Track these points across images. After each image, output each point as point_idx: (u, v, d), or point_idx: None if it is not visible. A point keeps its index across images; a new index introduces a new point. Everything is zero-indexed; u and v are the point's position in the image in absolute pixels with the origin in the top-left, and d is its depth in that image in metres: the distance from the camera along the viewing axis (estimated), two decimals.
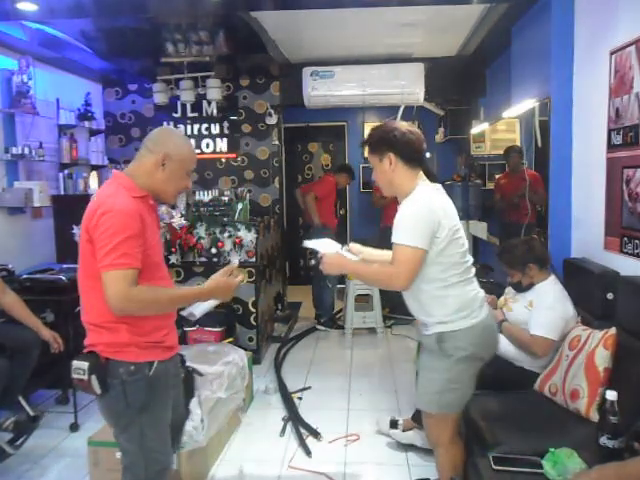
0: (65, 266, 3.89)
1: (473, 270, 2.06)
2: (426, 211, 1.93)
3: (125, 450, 1.87)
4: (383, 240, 5.75)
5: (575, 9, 3.16)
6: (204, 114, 5.49)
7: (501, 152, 5.06)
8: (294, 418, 3.19)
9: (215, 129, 5.53)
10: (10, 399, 2.78)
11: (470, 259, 2.05)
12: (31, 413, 2.82)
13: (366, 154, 2.17)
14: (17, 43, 4.11)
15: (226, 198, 4.66)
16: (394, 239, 1.94)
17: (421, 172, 2.09)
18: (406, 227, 1.93)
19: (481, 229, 5.49)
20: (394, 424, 2.88)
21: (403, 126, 2.08)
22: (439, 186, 2.10)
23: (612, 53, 2.69)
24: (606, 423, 1.75)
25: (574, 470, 1.70)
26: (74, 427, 3.13)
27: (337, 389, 3.70)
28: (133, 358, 1.77)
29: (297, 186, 5.94)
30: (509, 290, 2.81)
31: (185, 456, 2.42)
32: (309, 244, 2.26)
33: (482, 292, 2.08)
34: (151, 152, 1.83)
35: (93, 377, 1.72)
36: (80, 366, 1.73)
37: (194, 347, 3.35)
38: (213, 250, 4.03)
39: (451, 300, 1.97)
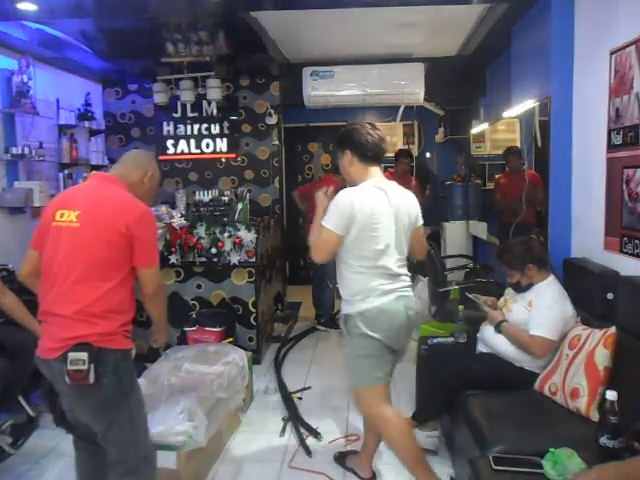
0: None
1: (391, 270, 2.26)
2: (346, 204, 2.20)
3: (115, 442, 1.93)
4: None
5: (575, 9, 3.16)
6: (204, 114, 5.49)
7: (501, 152, 5.06)
8: (294, 418, 3.19)
9: (215, 129, 5.53)
10: (10, 399, 2.78)
11: (389, 261, 2.24)
12: (31, 413, 2.82)
13: None
14: (17, 43, 4.11)
15: (226, 198, 4.67)
16: (323, 220, 2.24)
17: (376, 169, 2.35)
18: (330, 213, 2.22)
19: (481, 229, 5.49)
20: None
21: (364, 127, 2.33)
22: (387, 186, 2.31)
23: (612, 53, 2.69)
24: (606, 423, 1.75)
25: (574, 470, 1.70)
26: None
27: (337, 389, 3.69)
28: (120, 345, 1.90)
29: (296, 187, 5.92)
30: (509, 291, 2.81)
31: (185, 456, 2.42)
32: None
33: (390, 287, 2.26)
34: (138, 167, 2.08)
35: (92, 366, 1.79)
36: (79, 357, 1.79)
37: (194, 347, 3.35)
38: (213, 250, 4.03)
39: (353, 284, 2.27)
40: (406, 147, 6.22)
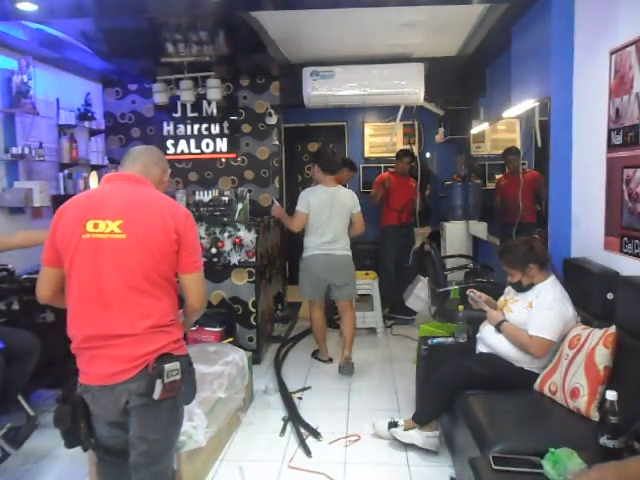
0: None
1: (324, 236, 3.92)
2: (304, 196, 3.97)
3: (163, 454, 1.84)
4: (382, 239, 5.71)
5: (575, 9, 3.16)
6: (204, 114, 5.49)
7: (501, 152, 5.05)
8: (294, 418, 3.18)
9: (215, 129, 5.53)
10: (9, 400, 2.77)
11: (324, 232, 3.91)
12: (31, 413, 2.81)
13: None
14: (17, 43, 4.11)
15: (226, 198, 4.67)
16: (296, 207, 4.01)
17: (330, 177, 4.00)
18: (299, 202, 3.97)
19: (481, 229, 5.48)
20: (393, 424, 2.88)
21: (327, 152, 4.50)
22: (332, 188, 3.98)
23: (612, 53, 2.69)
24: (606, 423, 1.75)
25: (574, 470, 1.70)
26: None
27: (337, 389, 3.70)
28: (185, 351, 1.85)
29: (296, 186, 5.92)
30: (509, 290, 2.80)
31: (185, 456, 2.42)
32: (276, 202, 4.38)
33: (320, 246, 3.92)
34: (156, 165, 1.97)
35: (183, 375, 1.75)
36: (175, 367, 1.72)
37: (194, 347, 3.35)
38: (213, 250, 4.03)
39: (306, 240, 4.01)
40: (407, 147, 6.21)
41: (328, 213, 3.90)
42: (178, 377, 1.72)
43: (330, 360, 4.24)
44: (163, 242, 1.73)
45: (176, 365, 1.72)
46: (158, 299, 1.75)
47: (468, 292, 2.90)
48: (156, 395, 1.69)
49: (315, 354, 4.35)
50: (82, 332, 1.73)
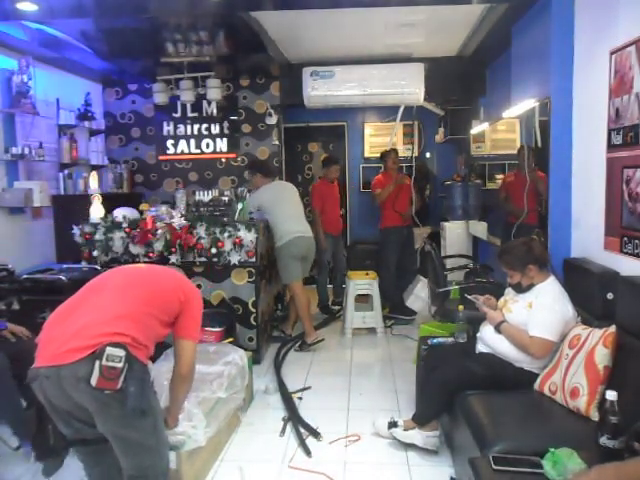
0: (65, 266, 3.89)
1: (295, 220, 4.46)
2: (258, 194, 4.51)
3: (145, 448, 1.86)
4: (384, 240, 5.66)
5: (575, 9, 3.16)
6: (204, 114, 5.50)
7: (501, 152, 5.04)
8: (294, 418, 3.18)
9: (215, 129, 5.54)
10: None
11: (295, 217, 4.49)
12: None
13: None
14: (17, 43, 4.11)
15: (226, 198, 4.66)
16: None
17: (274, 179, 4.80)
18: (253, 200, 4.48)
19: (481, 229, 5.48)
20: (393, 424, 2.88)
21: (263, 160, 5.26)
22: (277, 182, 4.86)
23: (612, 53, 2.69)
24: (606, 423, 1.75)
25: (574, 470, 1.70)
26: None
27: (337, 389, 3.69)
28: (143, 359, 1.85)
29: (303, 185, 5.90)
30: (509, 291, 2.80)
31: (185, 456, 2.42)
32: None
33: (297, 230, 4.39)
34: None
35: (125, 367, 1.71)
36: (117, 353, 1.70)
37: None
38: (213, 250, 4.03)
39: (280, 229, 4.40)
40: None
41: (289, 200, 4.51)
42: (119, 365, 1.69)
43: (322, 339, 4.52)
44: (170, 289, 2.03)
45: (119, 352, 1.71)
46: (145, 307, 1.94)
47: (470, 297, 2.89)
48: (93, 380, 1.67)
49: (302, 346, 4.49)
50: (60, 317, 1.92)
